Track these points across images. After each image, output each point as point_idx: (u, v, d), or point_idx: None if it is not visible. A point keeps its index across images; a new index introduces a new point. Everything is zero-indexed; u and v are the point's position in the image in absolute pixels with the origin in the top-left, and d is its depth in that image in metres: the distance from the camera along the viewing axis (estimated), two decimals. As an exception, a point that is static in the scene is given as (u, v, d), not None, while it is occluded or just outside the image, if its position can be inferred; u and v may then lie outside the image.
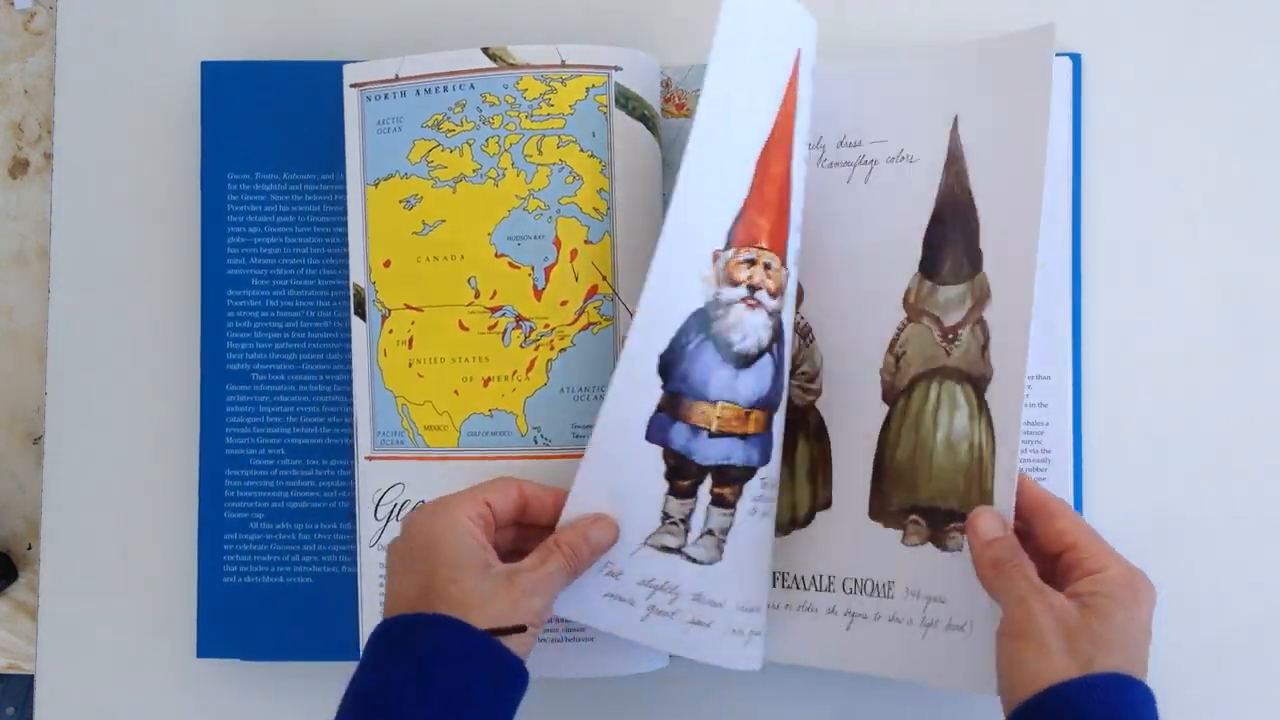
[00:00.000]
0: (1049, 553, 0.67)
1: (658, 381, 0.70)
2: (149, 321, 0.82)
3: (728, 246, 0.71)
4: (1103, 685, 0.61)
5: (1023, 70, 0.72)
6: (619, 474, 0.70)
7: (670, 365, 0.70)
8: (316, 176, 0.80)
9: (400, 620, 0.65)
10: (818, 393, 0.76)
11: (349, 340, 0.78)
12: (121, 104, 0.84)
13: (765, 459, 0.72)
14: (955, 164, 0.73)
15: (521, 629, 0.65)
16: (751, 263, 0.71)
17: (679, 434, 0.71)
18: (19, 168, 0.86)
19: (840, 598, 0.74)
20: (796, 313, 0.76)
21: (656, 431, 0.70)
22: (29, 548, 0.85)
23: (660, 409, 0.70)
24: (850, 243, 0.76)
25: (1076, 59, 0.78)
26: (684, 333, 0.71)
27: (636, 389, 0.70)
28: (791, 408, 0.76)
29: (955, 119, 0.73)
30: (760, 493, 0.73)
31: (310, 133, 0.80)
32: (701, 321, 0.71)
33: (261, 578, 0.79)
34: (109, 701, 0.82)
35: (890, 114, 0.76)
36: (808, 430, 0.77)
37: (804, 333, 0.77)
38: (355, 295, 0.77)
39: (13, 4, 0.86)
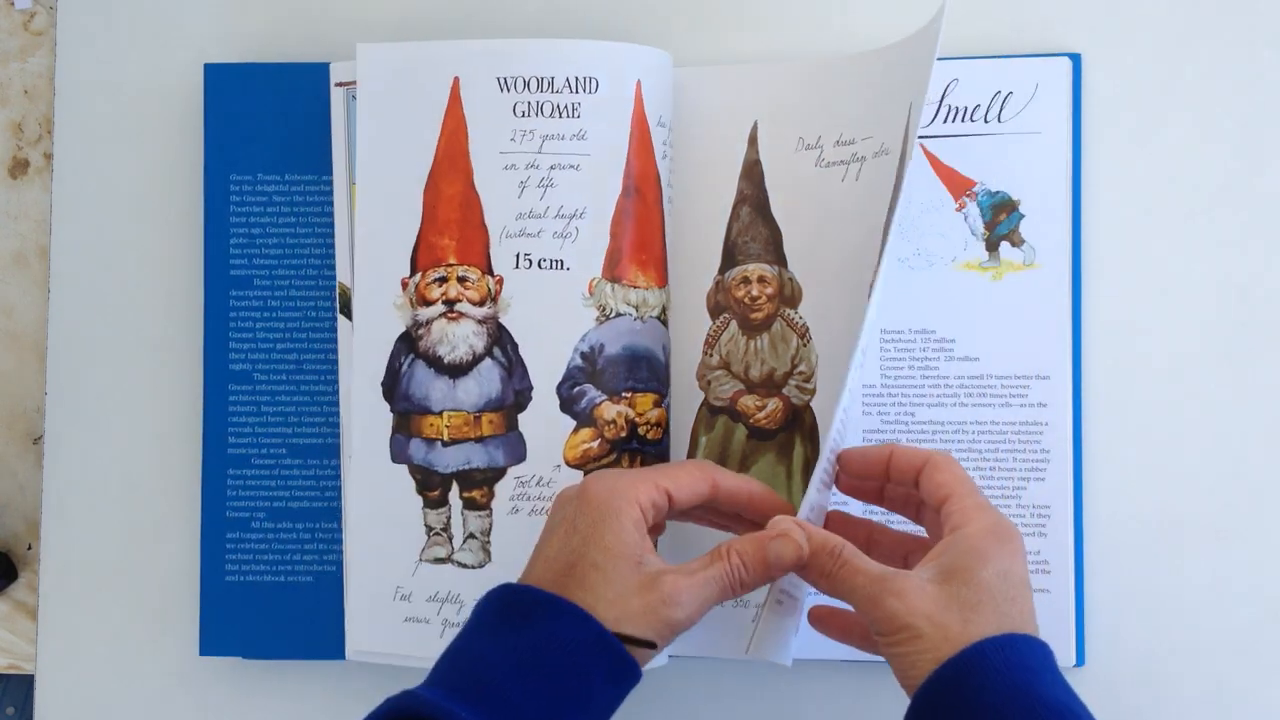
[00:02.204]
0: (933, 506, 0.64)
1: (385, 406, 0.76)
2: (148, 321, 0.82)
3: (414, 272, 0.76)
4: (988, 650, 0.58)
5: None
6: (381, 499, 0.76)
7: (391, 388, 0.76)
8: (318, 177, 0.80)
9: (530, 593, 0.61)
10: (813, 392, 0.77)
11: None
12: (121, 104, 0.83)
13: (516, 457, 0.76)
14: (906, 152, 0.72)
15: (650, 645, 0.61)
16: (443, 280, 0.76)
17: (417, 449, 0.76)
18: (19, 168, 0.86)
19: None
20: (795, 312, 0.76)
21: (397, 451, 0.76)
22: (29, 548, 0.85)
23: (395, 430, 0.76)
24: (844, 241, 0.76)
25: (1076, 59, 0.78)
26: (395, 356, 0.77)
27: (369, 417, 0.76)
28: (788, 407, 0.76)
29: (909, 106, 0.73)
30: (520, 490, 0.75)
31: (312, 134, 0.80)
32: (407, 343, 0.76)
33: (263, 577, 0.79)
34: (109, 701, 0.82)
35: (872, 108, 0.76)
36: (803, 430, 0.77)
37: (801, 332, 0.77)
38: (341, 295, 0.78)
39: (13, 4, 0.86)
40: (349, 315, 0.77)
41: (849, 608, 0.63)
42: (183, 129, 0.83)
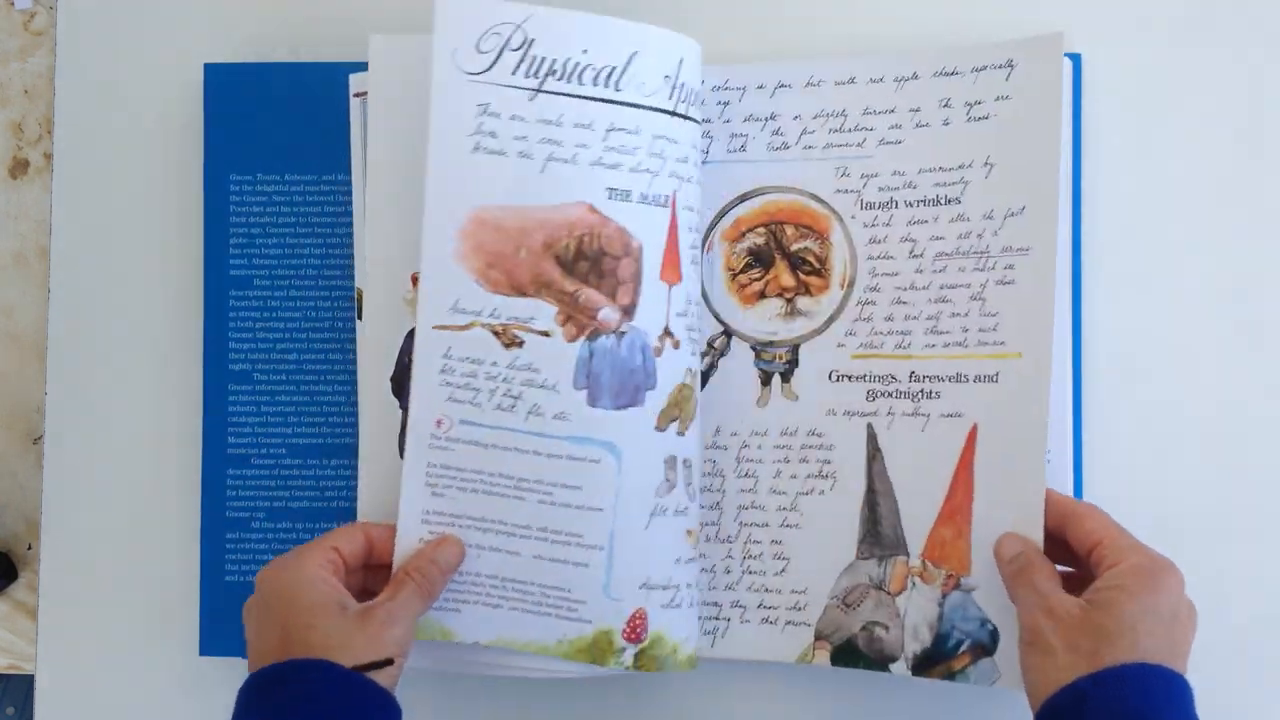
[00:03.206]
0: (1082, 555, 0.68)
1: (394, 403, 0.75)
2: (148, 321, 0.82)
3: None
4: (1109, 679, 0.61)
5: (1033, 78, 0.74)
6: (395, 499, 0.73)
7: (401, 384, 0.75)
8: (318, 178, 0.80)
9: (263, 672, 0.65)
10: None
11: (350, 340, 0.79)
12: (121, 104, 0.84)
13: None
14: None
15: (388, 662, 0.65)
16: None
17: None
18: (19, 168, 0.86)
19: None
20: None
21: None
22: (29, 548, 0.85)
23: (403, 429, 0.74)
24: None
25: (1076, 59, 0.78)
26: (404, 353, 0.75)
27: (380, 415, 0.75)
28: None
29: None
30: None
31: (312, 134, 0.80)
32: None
33: (264, 577, 0.80)
34: (109, 701, 0.82)
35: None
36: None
37: None
38: (358, 299, 0.77)
39: (13, 4, 0.86)
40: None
41: None
42: (182, 129, 0.83)
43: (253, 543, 0.80)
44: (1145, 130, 0.79)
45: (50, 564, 0.82)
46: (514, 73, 0.72)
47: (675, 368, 0.74)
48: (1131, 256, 0.78)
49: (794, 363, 0.78)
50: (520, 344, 0.72)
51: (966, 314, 0.75)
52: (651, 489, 0.73)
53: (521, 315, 0.72)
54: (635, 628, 0.72)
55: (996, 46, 0.76)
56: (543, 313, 0.73)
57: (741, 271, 0.79)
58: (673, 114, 0.73)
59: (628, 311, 0.73)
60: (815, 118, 0.79)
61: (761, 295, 0.79)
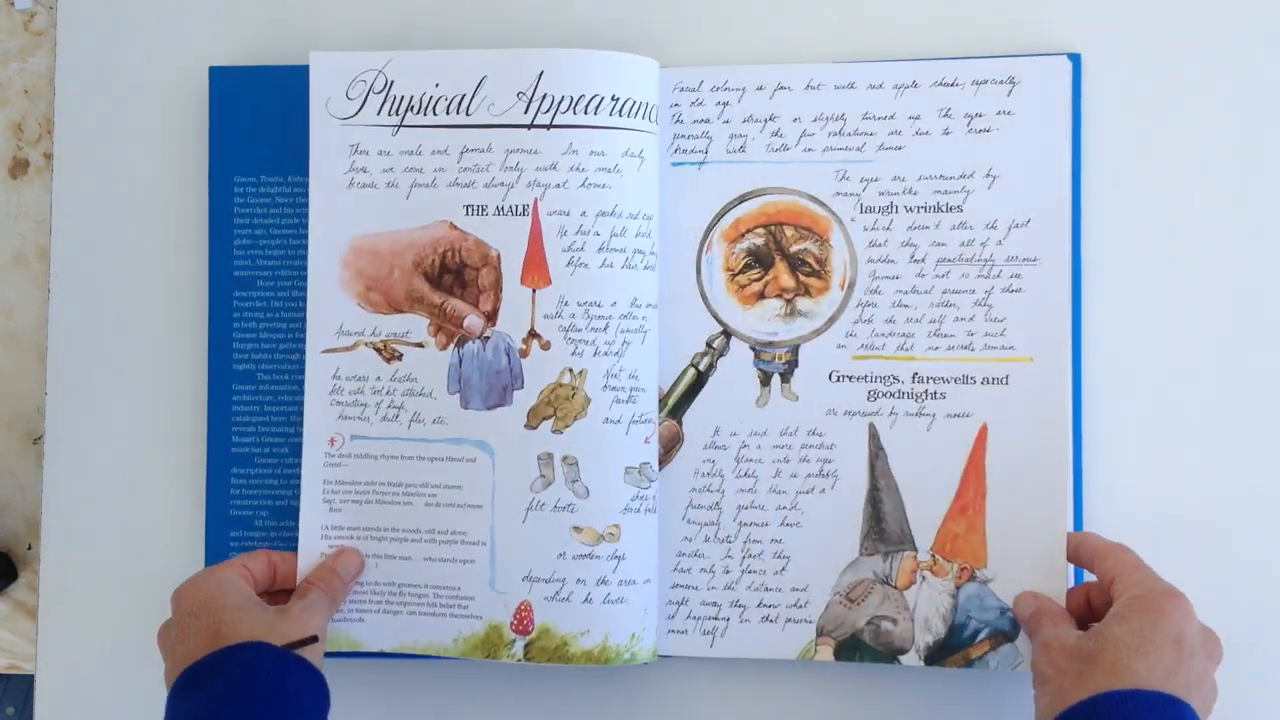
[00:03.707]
0: (1106, 588, 0.69)
1: None
2: (148, 321, 0.82)
3: None
4: (1087, 706, 0.61)
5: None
6: None
7: None
8: (320, 179, 0.81)
9: (195, 666, 0.67)
10: None
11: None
12: (121, 104, 0.83)
13: None
14: None
15: (314, 639, 0.69)
16: None
17: None
18: (19, 168, 0.86)
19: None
20: None
21: None
22: (29, 548, 0.85)
23: None
24: None
25: (1076, 59, 0.78)
26: None
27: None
28: None
29: None
30: None
31: (314, 136, 0.81)
32: None
33: (266, 576, 0.80)
34: (109, 701, 0.82)
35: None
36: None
37: None
38: None
39: (13, 4, 0.86)
40: None
41: None
42: (182, 129, 0.83)
43: (256, 540, 0.80)
44: (1145, 130, 0.79)
45: (50, 564, 0.82)
46: (379, 113, 0.78)
47: (547, 368, 0.76)
48: (1131, 257, 0.79)
49: (794, 363, 0.78)
50: (399, 357, 0.78)
51: (971, 318, 0.77)
52: (526, 484, 0.76)
53: (399, 330, 0.78)
54: (522, 619, 0.76)
55: (998, 62, 0.78)
56: (417, 326, 0.78)
57: (741, 272, 0.79)
58: (530, 127, 0.76)
59: (490, 317, 0.77)
60: (815, 120, 0.79)
61: (761, 296, 0.79)
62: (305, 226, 0.80)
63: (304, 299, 0.79)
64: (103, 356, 0.83)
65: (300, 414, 0.79)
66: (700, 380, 0.79)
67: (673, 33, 0.81)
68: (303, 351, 0.79)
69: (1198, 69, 0.79)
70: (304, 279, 0.80)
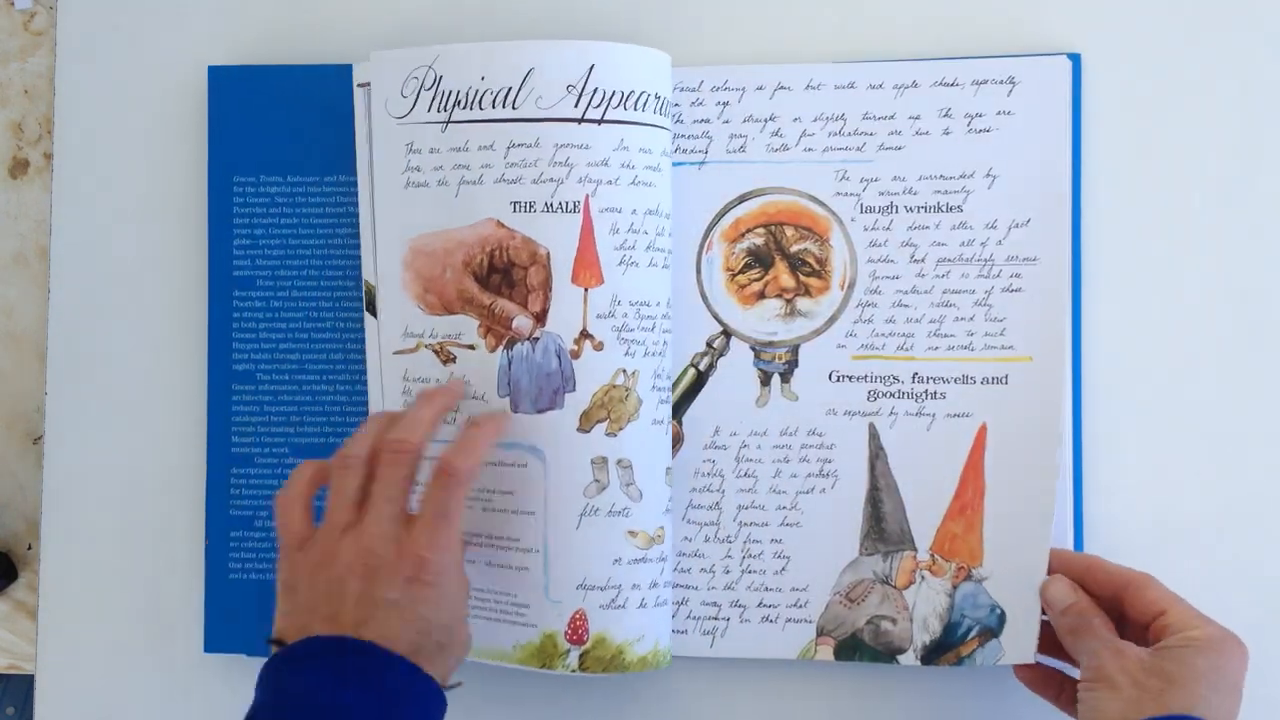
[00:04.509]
0: (1142, 623, 0.69)
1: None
2: (150, 321, 0.82)
3: None
4: None
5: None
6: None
7: None
8: (320, 179, 0.81)
9: (378, 656, 0.64)
10: None
11: (352, 340, 0.80)
12: (121, 104, 0.83)
13: None
14: None
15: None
16: None
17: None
18: (19, 168, 0.86)
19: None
20: None
21: None
22: (29, 548, 0.85)
23: None
24: None
25: (1076, 59, 0.78)
26: None
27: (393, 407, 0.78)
28: None
29: None
30: None
31: (315, 136, 0.80)
32: None
33: (267, 574, 0.80)
34: (109, 701, 0.82)
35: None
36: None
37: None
38: (367, 292, 0.78)
39: (13, 4, 0.86)
40: (374, 312, 0.78)
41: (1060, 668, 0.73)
42: (182, 129, 0.83)
43: (256, 540, 0.80)
44: (1145, 130, 0.79)
45: (50, 564, 0.82)
46: (429, 110, 0.76)
47: (599, 369, 0.75)
48: (1131, 257, 0.79)
49: (794, 363, 0.78)
50: (454, 359, 0.76)
51: (971, 318, 0.77)
52: (579, 490, 0.74)
53: (452, 332, 0.76)
54: (577, 629, 0.74)
55: (998, 62, 0.78)
56: (468, 328, 0.76)
57: (740, 272, 0.79)
58: (581, 121, 0.75)
59: (540, 318, 0.75)
60: (815, 120, 0.79)
61: (761, 296, 0.79)
62: (306, 226, 0.80)
63: (304, 299, 0.79)
64: (103, 356, 0.83)
65: (300, 414, 0.79)
66: (700, 380, 0.79)
67: (673, 32, 0.81)
68: (303, 351, 0.79)
69: (1198, 69, 0.79)
70: (304, 279, 0.80)
